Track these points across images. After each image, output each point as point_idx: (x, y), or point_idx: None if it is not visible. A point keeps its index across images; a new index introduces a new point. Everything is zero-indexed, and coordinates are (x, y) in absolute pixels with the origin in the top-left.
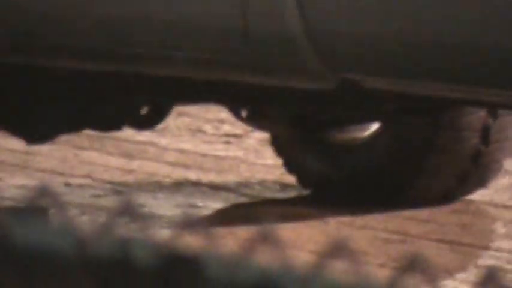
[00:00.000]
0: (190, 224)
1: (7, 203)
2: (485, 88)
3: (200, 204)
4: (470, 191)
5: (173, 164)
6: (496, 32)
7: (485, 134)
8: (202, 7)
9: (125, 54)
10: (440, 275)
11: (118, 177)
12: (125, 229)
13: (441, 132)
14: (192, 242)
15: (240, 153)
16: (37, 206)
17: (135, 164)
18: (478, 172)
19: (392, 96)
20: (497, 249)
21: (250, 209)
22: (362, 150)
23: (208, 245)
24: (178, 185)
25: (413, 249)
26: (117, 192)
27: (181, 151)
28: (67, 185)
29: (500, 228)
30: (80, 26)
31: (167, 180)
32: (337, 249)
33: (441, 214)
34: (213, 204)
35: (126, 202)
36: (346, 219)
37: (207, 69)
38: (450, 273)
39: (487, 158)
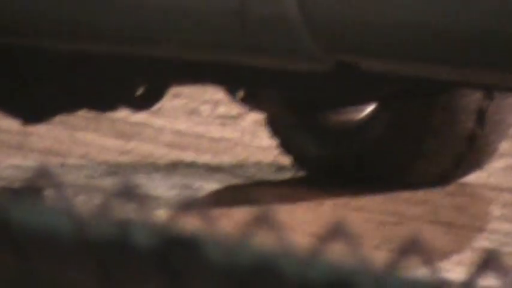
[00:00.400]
0: (186, 205)
1: (2, 183)
2: (480, 69)
3: (196, 185)
4: (465, 173)
5: (169, 145)
6: (487, 16)
7: (481, 117)
8: None
9: (122, 35)
10: (436, 257)
11: (113, 158)
12: (122, 210)
13: (437, 115)
14: (189, 223)
15: (235, 135)
16: (33, 186)
17: (130, 145)
18: (473, 154)
19: (388, 78)
20: (493, 232)
21: (246, 191)
22: (358, 132)
23: (205, 226)
24: (174, 166)
25: (408, 231)
26: (113, 173)
27: (177, 132)
28: (62, 165)
29: (495, 210)
30: (77, 8)
31: (163, 161)
32: (334, 231)
33: (436, 196)
34: (208, 186)
35: (124, 183)
36: (341, 200)
37: (204, 50)
38: (445, 255)
39: (482, 141)
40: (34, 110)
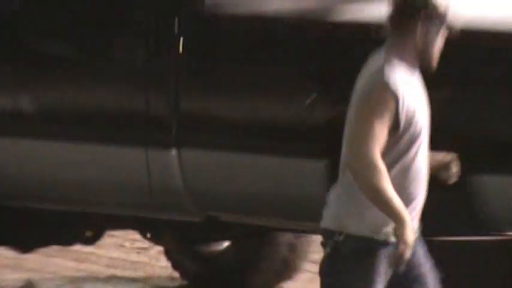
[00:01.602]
0: None
1: None
2: (290, 221)
3: None
4: (282, 281)
5: (107, 266)
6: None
7: (292, 247)
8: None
9: (70, 200)
10: None
11: (72, 273)
12: None
13: (265, 245)
14: None
15: (146, 259)
16: None
17: (83, 265)
18: (288, 270)
19: (238, 225)
20: None
21: None
22: (220, 257)
23: None
24: (110, 278)
25: None
26: (72, 283)
27: (111, 258)
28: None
29: None
30: (42, 187)
31: (103, 275)
32: None
33: None
34: None
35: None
36: None
37: (125, 208)
38: None
39: (293, 264)
40: (27, 243)
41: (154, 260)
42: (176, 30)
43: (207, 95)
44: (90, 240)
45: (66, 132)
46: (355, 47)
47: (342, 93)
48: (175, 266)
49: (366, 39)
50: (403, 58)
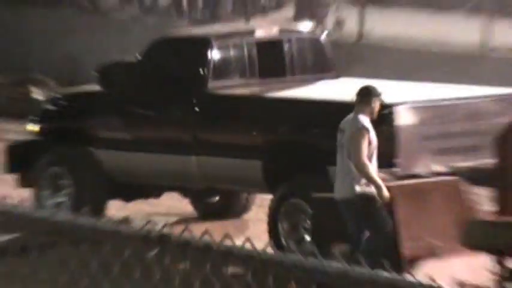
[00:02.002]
0: None
1: None
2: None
3: None
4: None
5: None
6: None
7: (247, 199)
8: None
9: (150, 179)
10: None
11: None
12: None
13: (234, 199)
14: None
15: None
16: None
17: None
18: (245, 209)
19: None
20: None
21: None
22: (214, 204)
23: None
24: None
25: None
26: None
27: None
28: None
29: None
30: (137, 174)
31: None
32: None
33: None
34: None
35: None
36: None
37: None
38: None
39: (248, 206)
40: (128, 198)
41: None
42: (194, 101)
43: (209, 132)
44: (158, 196)
45: (148, 148)
46: None
47: None
48: (195, 208)
49: None
50: (365, 114)
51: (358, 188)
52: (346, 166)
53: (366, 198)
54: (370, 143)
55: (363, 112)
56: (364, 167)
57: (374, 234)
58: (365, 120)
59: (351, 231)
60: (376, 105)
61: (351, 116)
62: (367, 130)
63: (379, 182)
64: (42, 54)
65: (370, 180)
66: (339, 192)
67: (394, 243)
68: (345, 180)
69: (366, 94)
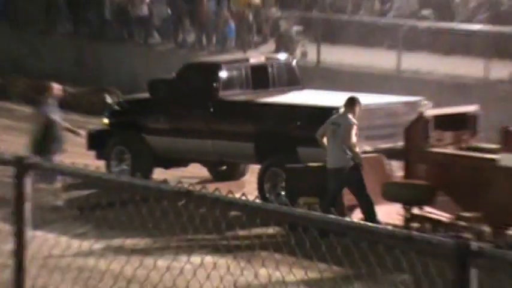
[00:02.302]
0: None
1: None
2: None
3: None
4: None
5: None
6: None
7: (244, 168)
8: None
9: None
10: None
11: None
12: None
13: (236, 166)
14: None
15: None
16: None
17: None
18: (243, 173)
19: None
20: None
21: None
22: (222, 170)
23: None
24: None
25: None
26: None
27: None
28: None
29: None
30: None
31: None
32: None
33: None
34: None
35: None
36: None
37: (201, 157)
38: None
39: (244, 171)
40: (167, 166)
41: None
42: (210, 104)
43: (220, 125)
44: (185, 166)
45: (180, 134)
46: None
47: None
48: (210, 173)
49: None
50: (352, 114)
51: (346, 161)
52: (339, 147)
53: (351, 167)
54: (356, 133)
55: (351, 113)
56: (353, 146)
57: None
58: (353, 118)
59: (329, 190)
60: (358, 109)
61: (340, 114)
62: (355, 124)
63: (360, 154)
64: (112, 73)
65: (356, 154)
66: (333, 163)
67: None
68: (337, 156)
69: (353, 101)
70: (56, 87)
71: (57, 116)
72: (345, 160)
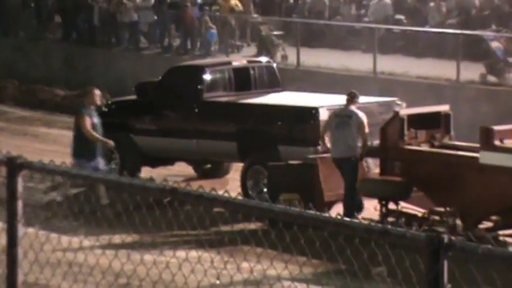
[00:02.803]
0: None
1: None
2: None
3: None
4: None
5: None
6: None
7: (227, 166)
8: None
9: (170, 153)
10: None
11: None
12: None
13: (220, 164)
14: None
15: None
16: None
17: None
18: (227, 171)
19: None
20: None
21: None
22: (208, 168)
23: None
24: None
25: None
26: None
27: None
28: None
29: None
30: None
31: None
32: None
33: None
34: None
35: None
36: None
37: (184, 155)
38: None
39: (227, 169)
40: (154, 165)
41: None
42: (195, 105)
43: (204, 125)
44: (171, 164)
45: (166, 134)
46: None
47: None
48: (195, 171)
49: None
50: (356, 106)
51: (356, 151)
52: (350, 136)
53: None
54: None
55: (355, 105)
56: (368, 137)
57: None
58: (360, 111)
59: (347, 180)
60: (358, 102)
61: (343, 108)
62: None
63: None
64: (101, 77)
65: (367, 145)
66: (342, 153)
67: (319, 193)
68: (349, 145)
69: (355, 95)
70: (97, 93)
71: (97, 120)
72: (356, 149)
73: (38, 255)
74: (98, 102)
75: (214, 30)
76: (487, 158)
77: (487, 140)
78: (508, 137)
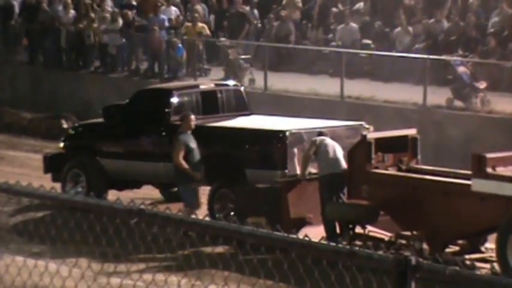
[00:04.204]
0: None
1: None
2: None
3: None
4: None
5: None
6: None
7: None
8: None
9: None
10: None
11: None
12: None
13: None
14: None
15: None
16: None
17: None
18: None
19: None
20: None
21: None
22: None
23: None
24: None
25: None
26: None
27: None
28: None
29: None
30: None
31: None
32: None
33: None
34: None
35: None
36: None
37: (152, 179)
38: None
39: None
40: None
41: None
42: (162, 128)
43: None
44: (139, 187)
45: (133, 157)
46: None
47: None
48: (162, 195)
49: None
50: None
51: None
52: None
53: None
54: None
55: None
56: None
57: None
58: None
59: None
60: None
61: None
62: None
63: None
64: (68, 100)
65: None
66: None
67: (286, 216)
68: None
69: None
70: (193, 118)
71: (194, 144)
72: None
73: (2, 277)
74: (193, 127)
75: (180, 45)
76: (479, 185)
77: (479, 167)
78: (501, 165)
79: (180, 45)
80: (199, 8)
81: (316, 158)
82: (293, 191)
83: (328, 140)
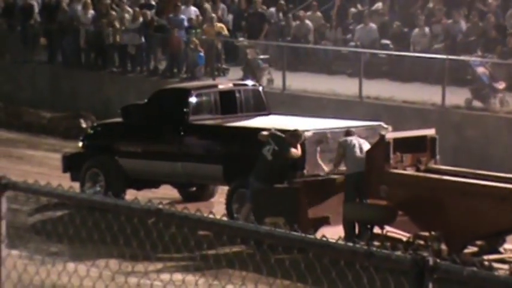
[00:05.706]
0: None
1: None
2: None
3: None
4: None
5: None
6: None
7: (212, 189)
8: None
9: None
10: None
11: None
12: None
13: (206, 187)
14: None
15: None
16: None
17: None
18: (212, 194)
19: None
20: None
21: None
22: (193, 191)
23: None
24: None
25: None
26: None
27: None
28: None
29: None
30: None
31: None
32: None
33: None
34: None
35: None
36: None
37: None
38: None
39: (213, 192)
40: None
41: None
42: (180, 128)
43: (189, 147)
44: (157, 187)
45: (152, 157)
46: None
47: None
48: (180, 194)
49: None
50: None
51: None
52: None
53: None
54: None
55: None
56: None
57: None
58: None
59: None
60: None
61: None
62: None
63: None
64: (87, 100)
65: None
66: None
67: (304, 216)
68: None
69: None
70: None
71: None
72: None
73: (21, 276)
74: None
75: (202, 54)
76: None
77: None
78: None
79: (201, 53)
80: (220, 7)
81: (344, 158)
82: (311, 191)
83: (355, 140)
